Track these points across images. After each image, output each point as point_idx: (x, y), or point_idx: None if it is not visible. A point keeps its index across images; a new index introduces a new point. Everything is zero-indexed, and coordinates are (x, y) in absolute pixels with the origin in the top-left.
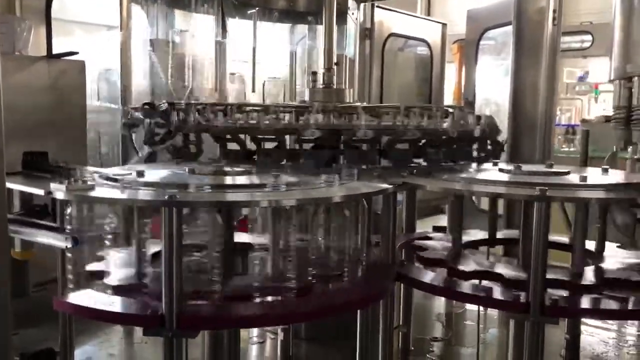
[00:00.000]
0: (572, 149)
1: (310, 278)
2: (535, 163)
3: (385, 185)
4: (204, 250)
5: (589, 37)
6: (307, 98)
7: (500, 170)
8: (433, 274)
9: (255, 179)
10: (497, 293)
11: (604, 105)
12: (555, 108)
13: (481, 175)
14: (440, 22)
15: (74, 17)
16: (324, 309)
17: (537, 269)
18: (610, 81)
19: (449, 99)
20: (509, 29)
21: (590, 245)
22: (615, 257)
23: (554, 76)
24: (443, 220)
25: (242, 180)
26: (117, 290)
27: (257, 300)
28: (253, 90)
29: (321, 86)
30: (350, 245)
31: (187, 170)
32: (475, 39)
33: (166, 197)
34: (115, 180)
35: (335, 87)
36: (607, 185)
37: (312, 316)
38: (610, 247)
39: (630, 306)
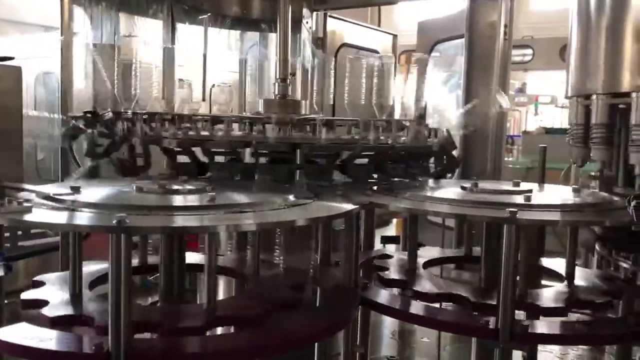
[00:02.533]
0: (510, 159)
1: (267, 306)
2: (487, 176)
3: (350, 206)
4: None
5: (529, 51)
6: (261, 109)
7: (463, 188)
8: (399, 299)
9: (210, 199)
10: (467, 319)
11: (541, 117)
12: (506, 121)
13: (444, 194)
14: (391, 33)
15: (7, 15)
16: (284, 343)
17: (507, 293)
18: (568, 98)
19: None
20: (460, 42)
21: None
22: (580, 277)
23: (505, 89)
24: (390, 231)
25: (194, 200)
26: (56, 322)
27: (215, 332)
28: (203, 99)
29: (276, 97)
30: (311, 269)
31: (134, 187)
32: (426, 51)
33: (114, 221)
34: (55, 200)
35: (290, 98)
36: (576, 205)
37: (270, 351)
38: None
39: (600, 330)
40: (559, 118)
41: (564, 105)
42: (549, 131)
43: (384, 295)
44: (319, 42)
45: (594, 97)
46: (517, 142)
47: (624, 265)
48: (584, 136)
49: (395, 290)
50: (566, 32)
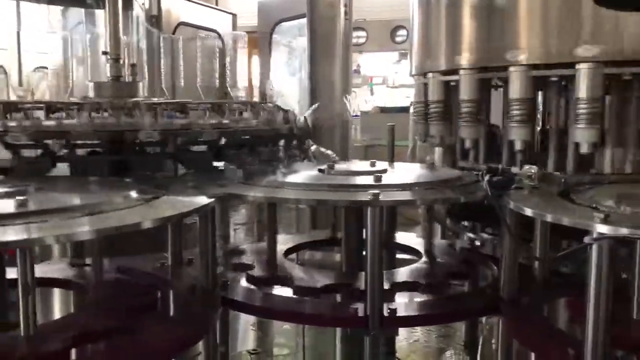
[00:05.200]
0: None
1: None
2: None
3: (205, 200)
4: None
5: (363, 34)
6: (91, 93)
7: (320, 170)
8: (262, 296)
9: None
10: (335, 309)
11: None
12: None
13: (302, 178)
14: (230, 13)
15: None
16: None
17: (374, 278)
18: (411, 76)
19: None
20: (303, 21)
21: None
22: (438, 253)
23: (348, 70)
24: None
25: (11, 205)
26: None
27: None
28: (20, 84)
29: (109, 79)
30: (163, 270)
31: None
32: (268, 31)
33: None
34: None
35: (125, 79)
36: (432, 182)
37: None
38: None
39: (468, 305)
40: (391, 98)
41: (394, 85)
42: (384, 110)
43: (245, 293)
44: (154, 20)
45: (430, 75)
46: (355, 121)
47: (471, 236)
48: (425, 113)
49: (258, 286)
50: (396, 15)
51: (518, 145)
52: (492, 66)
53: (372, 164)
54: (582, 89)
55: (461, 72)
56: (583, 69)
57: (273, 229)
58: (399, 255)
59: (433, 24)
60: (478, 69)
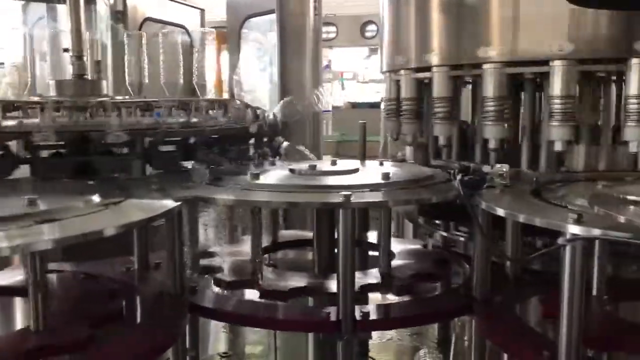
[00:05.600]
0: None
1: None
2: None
3: (171, 203)
4: None
5: (333, 29)
6: (53, 92)
7: (291, 170)
8: (232, 301)
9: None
10: (308, 314)
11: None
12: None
13: (273, 178)
14: (198, 8)
15: None
16: None
17: (346, 282)
18: (382, 73)
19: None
20: (272, 17)
21: None
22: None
23: (318, 65)
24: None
25: None
26: None
27: None
28: None
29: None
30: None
31: None
32: (236, 26)
33: None
34: None
35: (89, 77)
36: (404, 182)
37: None
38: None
39: (441, 306)
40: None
41: (365, 80)
42: (355, 106)
43: (214, 299)
44: (119, 15)
45: (402, 72)
46: (327, 116)
47: (445, 234)
48: (397, 110)
49: (227, 290)
50: (366, 10)
51: (492, 144)
52: (464, 63)
53: (344, 163)
54: (556, 87)
55: (434, 69)
56: (557, 66)
57: (256, 230)
58: (372, 254)
59: (404, 19)
60: (451, 66)
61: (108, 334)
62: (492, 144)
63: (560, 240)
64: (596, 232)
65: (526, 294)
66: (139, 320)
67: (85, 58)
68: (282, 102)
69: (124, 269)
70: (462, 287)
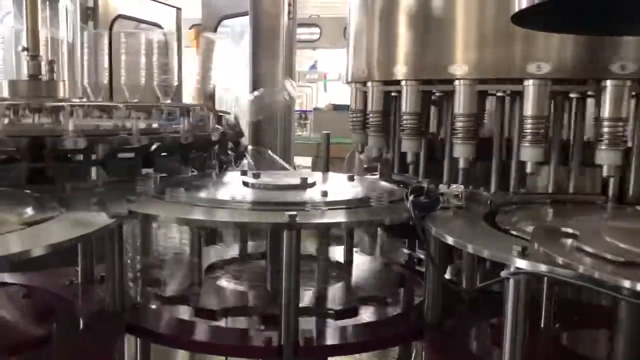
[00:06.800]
0: (305, 134)
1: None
2: (278, 152)
3: (105, 221)
4: None
5: (317, 30)
6: (5, 93)
7: (245, 183)
8: (173, 322)
9: None
10: (248, 339)
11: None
12: (294, 99)
13: (223, 193)
14: (174, 7)
15: None
16: None
17: (290, 306)
18: (348, 83)
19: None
20: (247, 18)
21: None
22: (362, 269)
23: (291, 68)
24: None
25: None
26: None
27: None
28: None
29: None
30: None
31: None
32: (212, 27)
33: None
34: None
35: (45, 78)
36: (359, 200)
37: None
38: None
39: (390, 331)
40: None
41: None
42: (337, 107)
43: (153, 319)
44: (89, 12)
45: (369, 84)
46: (310, 117)
47: (405, 251)
48: (363, 122)
49: (169, 310)
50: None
51: (462, 164)
52: (435, 78)
53: (303, 176)
54: (529, 106)
55: (403, 83)
56: (530, 85)
57: (194, 247)
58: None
59: (372, 29)
60: (421, 81)
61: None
62: (461, 164)
63: (503, 274)
64: (541, 267)
65: (480, 316)
66: (70, 340)
67: (40, 58)
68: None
69: (67, 282)
70: (414, 311)
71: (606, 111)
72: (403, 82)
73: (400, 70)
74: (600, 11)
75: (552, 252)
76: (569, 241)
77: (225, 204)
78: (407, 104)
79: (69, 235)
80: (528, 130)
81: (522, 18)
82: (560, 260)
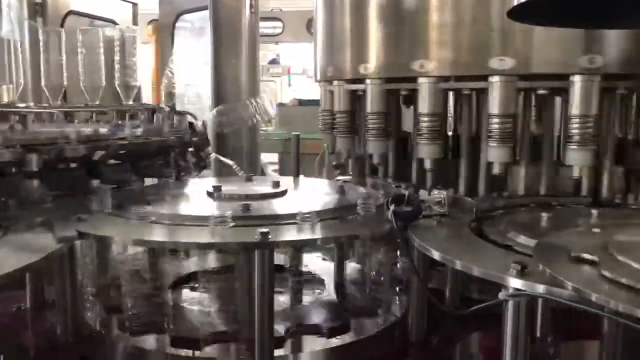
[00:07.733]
0: (270, 129)
1: None
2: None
3: (51, 247)
4: None
5: (280, 24)
6: None
7: (209, 194)
8: (132, 350)
9: None
10: None
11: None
12: (257, 96)
13: (187, 208)
14: (130, 2)
15: None
16: None
17: (264, 330)
18: (317, 81)
19: (147, 87)
20: (207, 13)
21: None
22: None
23: (255, 64)
24: None
25: None
26: None
27: None
28: None
29: None
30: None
31: None
32: (169, 22)
33: None
34: None
35: None
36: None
37: None
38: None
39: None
40: (311, 89)
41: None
42: (302, 103)
43: (110, 348)
44: (38, 8)
45: (335, 83)
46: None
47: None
48: (332, 122)
49: (129, 337)
50: (312, 5)
51: (428, 165)
52: (400, 77)
53: (273, 183)
54: (494, 104)
55: (367, 81)
56: (495, 82)
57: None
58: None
59: (338, 27)
60: (385, 79)
61: None
62: (427, 165)
63: (501, 296)
64: (541, 289)
65: (466, 331)
66: None
67: None
68: (215, 110)
69: (14, 308)
70: (398, 328)
71: (575, 108)
72: (367, 81)
73: (364, 68)
74: (592, 4)
75: (558, 274)
76: (575, 259)
77: (187, 220)
78: (371, 103)
79: (10, 264)
80: (494, 129)
81: (517, 13)
82: (569, 285)
